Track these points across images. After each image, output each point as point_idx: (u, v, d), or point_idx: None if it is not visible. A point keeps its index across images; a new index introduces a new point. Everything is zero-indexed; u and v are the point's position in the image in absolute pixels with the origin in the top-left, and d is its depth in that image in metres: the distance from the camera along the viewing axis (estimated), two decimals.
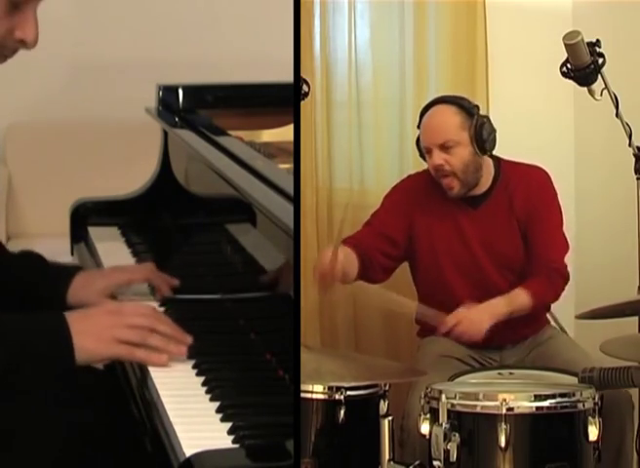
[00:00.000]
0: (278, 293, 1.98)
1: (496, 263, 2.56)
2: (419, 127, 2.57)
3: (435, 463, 1.96)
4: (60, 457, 1.84)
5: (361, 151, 3.19)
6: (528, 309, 2.47)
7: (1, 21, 1.80)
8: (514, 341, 2.58)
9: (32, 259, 2.29)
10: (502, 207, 2.55)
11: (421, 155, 2.59)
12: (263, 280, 2.06)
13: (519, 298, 2.46)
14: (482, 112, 2.60)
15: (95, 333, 1.82)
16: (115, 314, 1.89)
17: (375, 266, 2.53)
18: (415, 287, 2.67)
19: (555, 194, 2.59)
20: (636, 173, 2.41)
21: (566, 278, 2.55)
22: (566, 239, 2.58)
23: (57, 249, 2.59)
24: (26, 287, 2.21)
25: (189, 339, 1.93)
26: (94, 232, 2.79)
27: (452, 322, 2.41)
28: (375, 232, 2.56)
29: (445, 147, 2.48)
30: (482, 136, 2.48)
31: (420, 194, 2.60)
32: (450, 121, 2.49)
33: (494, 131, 2.52)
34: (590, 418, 2.00)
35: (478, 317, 2.42)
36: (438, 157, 2.49)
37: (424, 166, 3.08)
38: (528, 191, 2.56)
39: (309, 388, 2.05)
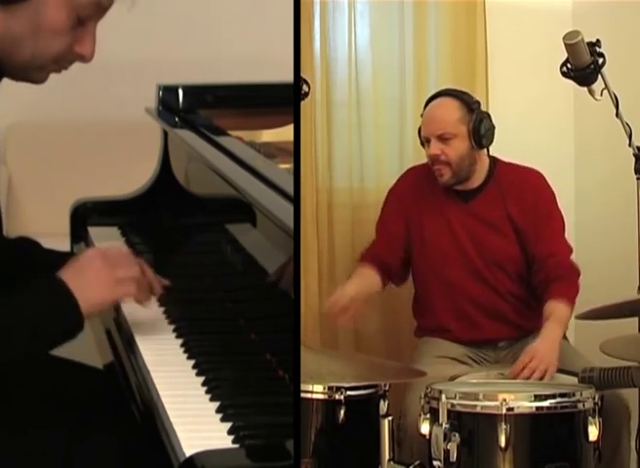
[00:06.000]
0: (278, 293, 1.98)
1: (484, 258, 2.59)
2: (422, 116, 2.64)
3: (435, 463, 1.97)
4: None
5: (361, 151, 3.18)
6: (569, 318, 2.43)
7: (66, 36, 1.83)
8: (509, 338, 2.60)
9: (26, 244, 2.30)
10: (493, 204, 2.59)
11: (422, 143, 2.65)
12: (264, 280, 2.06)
13: (563, 313, 2.41)
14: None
15: (95, 283, 1.85)
16: (104, 257, 1.91)
17: (397, 272, 2.65)
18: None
19: (554, 197, 2.61)
20: (636, 173, 2.41)
21: (579, 272, 2.53)
22: (568, 243, 2.59)
23: (57, 249, 2.58)
24: (20, 271, 2.20)
25: (165, 281, 2.11)
26: (94, 232, 2.79)
27: (527, 359, 2.30)
28: (386, 242, 2.65)
29: (443, 138, 2.55)
30: (479, 131, 2.54)
31: (416, 190, 2.68)
32: (450, 114, 2.56)
33: (492, 127, 2.58)
34: (590, 418, 2.00)
35: (548, 352, 2.31)
36: (435, 147, 2.56)
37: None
38: (524, 194, 2.59)
39: (309, 388, 2.05)
